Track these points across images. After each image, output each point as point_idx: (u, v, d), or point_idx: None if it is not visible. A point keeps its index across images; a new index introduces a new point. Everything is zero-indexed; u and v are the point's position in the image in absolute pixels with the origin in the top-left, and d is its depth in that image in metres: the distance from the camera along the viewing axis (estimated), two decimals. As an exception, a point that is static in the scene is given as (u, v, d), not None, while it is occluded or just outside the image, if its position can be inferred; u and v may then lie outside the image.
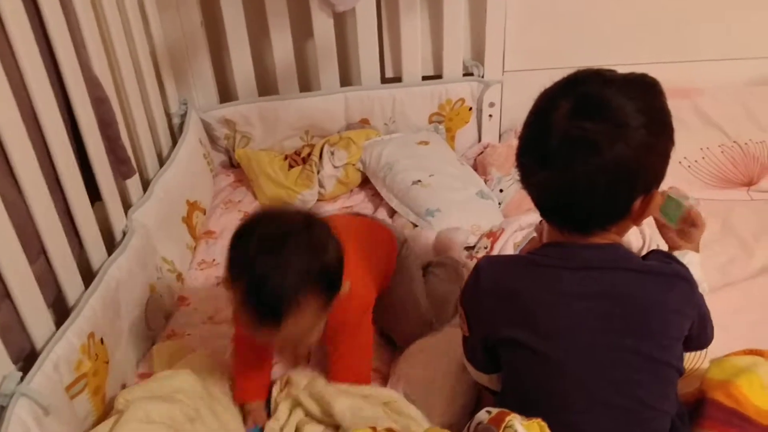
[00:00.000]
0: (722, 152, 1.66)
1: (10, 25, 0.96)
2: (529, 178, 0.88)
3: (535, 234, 1.15)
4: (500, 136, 1.90)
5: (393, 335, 1.26)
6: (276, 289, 0.90)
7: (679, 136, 1.80)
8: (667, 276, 0.88)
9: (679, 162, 1.62)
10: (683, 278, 0.88)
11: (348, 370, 1.11)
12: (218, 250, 1.53)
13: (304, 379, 1.06)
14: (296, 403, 1.05)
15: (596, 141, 0.80)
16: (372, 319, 1.16)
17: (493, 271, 0.93)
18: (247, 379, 1.12)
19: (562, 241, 0.89)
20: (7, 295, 0.93)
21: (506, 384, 0.94)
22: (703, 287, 1.00)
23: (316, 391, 1.02)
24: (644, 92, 0.84)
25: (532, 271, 0.89)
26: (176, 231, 1.45)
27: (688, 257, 1.04)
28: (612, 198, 0.84)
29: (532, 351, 0.86)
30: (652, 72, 1.99)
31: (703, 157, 1.65)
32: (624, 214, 0.86)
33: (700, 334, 0.93)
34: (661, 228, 1.09)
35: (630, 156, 0.80)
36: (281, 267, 0.90)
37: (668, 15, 1.78)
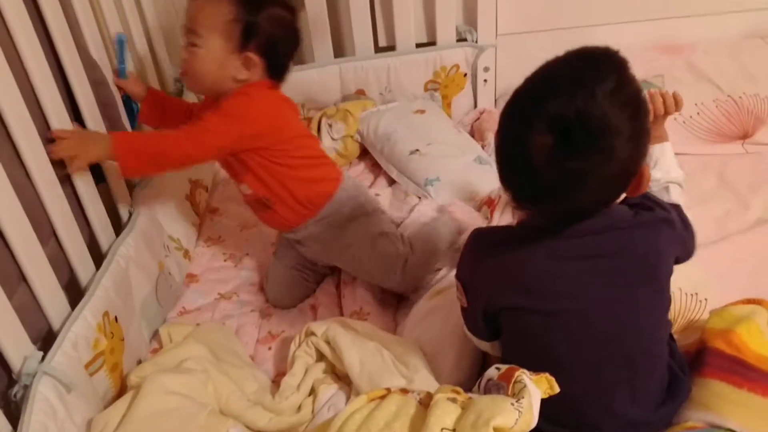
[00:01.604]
0: (716, 107, 1.67)
1: (9, 14, 0.97)
2: (522, 206, 0.88)
3: None
4: (496, 101, 1.91)
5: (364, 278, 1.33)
6: None
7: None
8: (653, 223, 0.89)
9: (674, 118, 1.63)
10: (665, 220, 0.90)
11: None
12: (223, 227, 1.55)
13: (322, 326, 1.11)
14: (312, 361, 1.09)
15: (588, 171, 0.78)
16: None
17: (485, 245, 0.94)
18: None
19: None
20: (23, 278, 0.96)
21: (509, 349, 0.96)
22: (674, 177, 1.04)
23: (331, 336, 1.07)
24: (619, 76, 0.78)
25: (525, 242, 0.89)
26: (180, 209, 1.46)
27: (657, 151, 1.05)
28: (609, 197, 0.85)
29: (536, 316, 0.88)
30: (644, 29, 2.01)
31: (698, 113, 1.66)
32: (619, 196, 0.87)
33: (689, 250, 0.94)
34: None
35: (622, 165, 0.79)
36: None
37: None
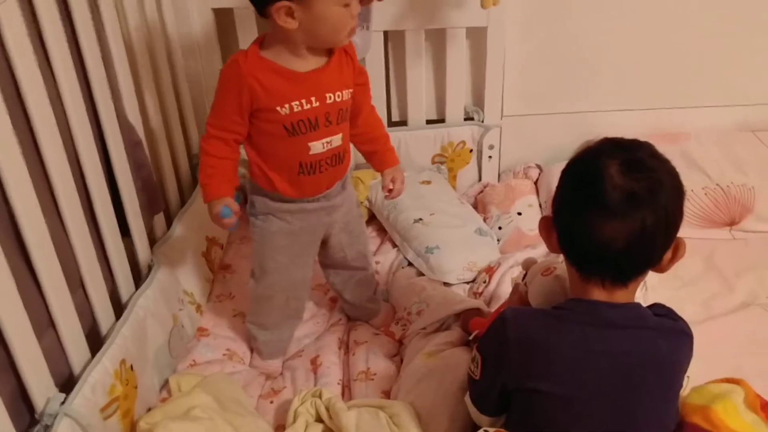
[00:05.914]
0: (705, 194, 1.76)
1: (62, 82, 1.08)
2: (593, 231, 0.90)
3: (519, 282, 1.23)
4: (499, 176, 2.01)
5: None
6: None
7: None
8: (677, 333, 0.96)
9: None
10: (688, 334, 0.97)
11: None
12: (235, 284, 1.61)
13: (329, 393, 1.20)
14: (312, 420, 1.16)
15: (650, 191, 0.88)
16: None
17: (520, 323, 0.96)
18: (217, 181, 1.19)
19: (587, 299, 0.95)
20: (52, 323, 1.03)
21: (515, 427, 0.98)
22: None
23: (332, 402, 1.16)
24: (658, 154, 0.93)
25: (560, 327, 0.94)
26: (196, 265, 1.53)
27: None
28: (664, 243, 0.93)
29: (553, 400, 0.92)
30: (643, 117, 2.10)
31: (688, 199, 1.73)
32: (658, 262, 0.94)
33: None
34: None
35: (673, 204, 0.90)
36: None
37: (661, 62, 1.88)
